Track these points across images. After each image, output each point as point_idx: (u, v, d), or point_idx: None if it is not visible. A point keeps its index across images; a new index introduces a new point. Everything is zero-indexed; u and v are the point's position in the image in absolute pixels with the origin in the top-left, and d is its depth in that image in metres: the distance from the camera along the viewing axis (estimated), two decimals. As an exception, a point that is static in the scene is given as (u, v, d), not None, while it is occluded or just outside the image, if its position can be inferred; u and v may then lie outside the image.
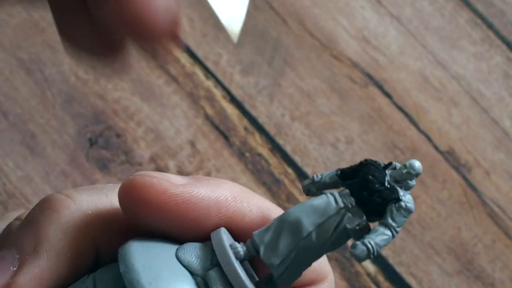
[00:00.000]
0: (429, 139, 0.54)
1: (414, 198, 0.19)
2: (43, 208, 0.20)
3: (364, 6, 0.58)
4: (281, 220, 0.19)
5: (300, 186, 0.52)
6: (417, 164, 0.18)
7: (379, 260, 0.50)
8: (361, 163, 0.19)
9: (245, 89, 0.54)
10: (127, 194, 0.19)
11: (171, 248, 0.20)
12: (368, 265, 0.50)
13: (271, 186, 0.51)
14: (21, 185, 0.48)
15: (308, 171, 0.52)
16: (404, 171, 0.18)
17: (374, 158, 0.56)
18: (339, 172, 0.20)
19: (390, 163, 0.19)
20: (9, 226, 0.22)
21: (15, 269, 0.19)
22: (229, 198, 0.20)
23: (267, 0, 0.57)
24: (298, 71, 0.55)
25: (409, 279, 0.50)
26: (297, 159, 0.52)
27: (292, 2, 0.57)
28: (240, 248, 0.20)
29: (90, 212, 0.20)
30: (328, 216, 0.19)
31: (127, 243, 0.19)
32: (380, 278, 0.50)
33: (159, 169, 0.50)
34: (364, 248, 0.18)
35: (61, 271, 0.20)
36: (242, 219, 0.20)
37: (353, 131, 0.54)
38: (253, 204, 0.21)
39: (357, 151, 0.53)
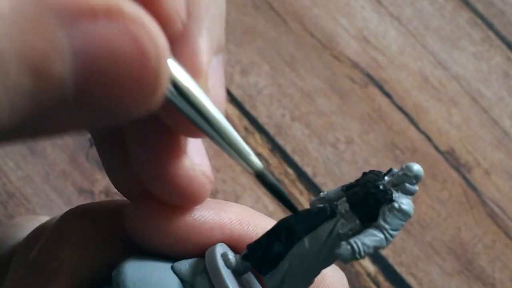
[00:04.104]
0: (429, 139, 0.54)
1: (414, 198, 0.18)
2: (61, 228, 0.20)
3: (364, 6, 0.58)
4: (275, 228, 0.19)
5: (300, 186, 0.52)
6: (415, 166, 0.18)
7: (379, 260, 0.50)
8: (363, 173, 0.19)
9: (245, 89, 0.54)
10: (131, 224, 0.20)
11: (167, 263, 0.20)
12: (368, 265, 0.50)
13: (271, 186, 0.51)
14: (21, 185, 0.48)
15: (308, 171, 0.52)
16: (401, 173, 0.18)
17: (374, 158, 0.55)
18: (344, 188, 0.19)
19: (390, 170, 0.18)
20: (43, 225, 0.23)
21: None
22: (234, 221, 0.20)
23: (267, 0, 0.57)
24: (298, 71, 0.55)
25: (409, 279, 0.50)
26: (297, 159, 0.52)
27: (292, 2, 0.57)
28: (232, 257, 0.19)
29: (106, 231, 0.21)
30: (321, 223, 0.18)
31: (121, 264, 0.19)
32: (380, 278, 0.50)
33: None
34: (348, 247, 0.17)
35: None
36: (249, 241, 0.20)
37: (353, 131, 0.54)
38: (260, 227, 0.21)
39: (357, 151, 0.53)
